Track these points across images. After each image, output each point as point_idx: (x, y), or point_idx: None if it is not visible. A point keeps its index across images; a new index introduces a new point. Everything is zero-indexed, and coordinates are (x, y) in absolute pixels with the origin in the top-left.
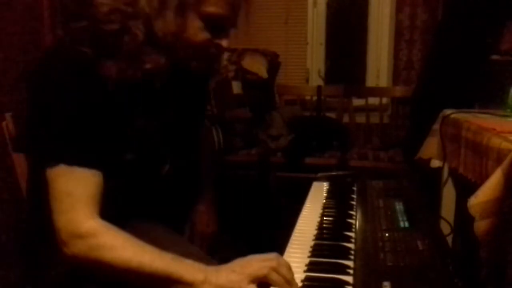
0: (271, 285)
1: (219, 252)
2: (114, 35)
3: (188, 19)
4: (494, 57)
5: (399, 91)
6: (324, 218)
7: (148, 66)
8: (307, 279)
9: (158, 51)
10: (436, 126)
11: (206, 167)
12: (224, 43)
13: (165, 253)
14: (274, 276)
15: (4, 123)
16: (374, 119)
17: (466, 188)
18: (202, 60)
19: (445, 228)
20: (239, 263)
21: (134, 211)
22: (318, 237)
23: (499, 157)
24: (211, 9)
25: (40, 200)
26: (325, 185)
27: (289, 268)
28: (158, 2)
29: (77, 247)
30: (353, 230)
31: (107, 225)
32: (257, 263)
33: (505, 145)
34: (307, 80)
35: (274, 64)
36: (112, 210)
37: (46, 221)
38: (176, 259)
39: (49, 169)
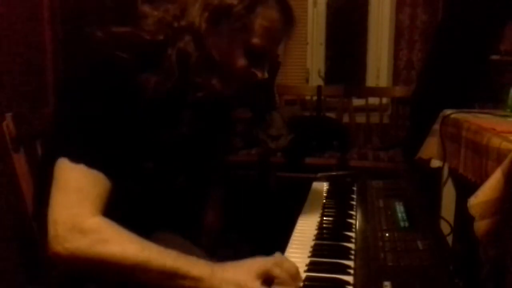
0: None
1: (219, 251)
2: (155, 46)
3: (234, 44)
4: (494, 57)
5: (399, 91)
6: (324, 218)
7: (201, 93)
8: (307, 279)
9: (211, 73)
10: (436, 126)
11: (215, 168)
12: (259, 74)
13: (170, 250)
14: (277, 271)
15: (4, 123)
16: (374, 119)
17: (466, 188)
18: (235, 87)
19: (445, 228)
20: (245, 262)
21: (145, 219)
22: (318, 237)
23: (499, 157)
24: (255, 40)
25: (46, 200)
26: (325, 185)
27: (293, 265)
28: (210, 23)
29: (76, 243)
30: (353, 230)
31: (110, 221)
32: (261, 260)
33: (505, 145)
34: (307, 80)
35: (274, 64)
36: (123, 218)
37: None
38: (182, 255)
39: (66, 162)
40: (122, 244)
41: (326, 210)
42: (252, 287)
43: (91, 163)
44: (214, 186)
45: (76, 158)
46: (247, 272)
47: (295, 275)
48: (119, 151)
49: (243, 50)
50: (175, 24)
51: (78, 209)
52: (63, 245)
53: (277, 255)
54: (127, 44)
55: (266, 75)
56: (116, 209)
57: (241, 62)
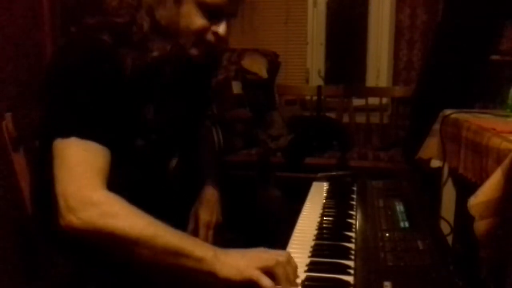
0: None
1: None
2: (124, 26)
3: (185, 6)
4: (494, 57)
5: (399, 91)
6: (324, 218)
7: (155, 53)
8: (307, 279)
9: (163, 39)
10: (436, 126)
11: (207, 159)
12: (221, 30)
13: (176, 229)
14: (280, 270)
15: (4, 123)
16: (374, 119)
17: (466, 188)
18: (201, 47)
19: (445, 228)
20: (249, 251)
21: (139, 206)
22: (318, 237)
23: (499, 157)
24: None
25: (45, 195)
26: (325, 185)
27: (295, 269)
28: None
29: (87, 213)
30: (353, 230)
31: (118, 196)
32: (267, 254)
33: (505, 145)
34: (307, 80)
35: (274, 64)
36: None
37: (49, 216)
38: (187, 235)
39: (60, 140)
40: (130, 218)
41: (326, 210)
42: (251, 274)
43: (82, 134)
44: (210, 181)
45: (67, 133)
46: (249, 260)
47: (293, 276)
48: (108, 123)
49: (197, 9)
50: (134, 2)
51: (84, 181)
52: (75, 215)
53: (285, 253)
54: (101, 29)
55: (225, 30)
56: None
57: (200, 22)
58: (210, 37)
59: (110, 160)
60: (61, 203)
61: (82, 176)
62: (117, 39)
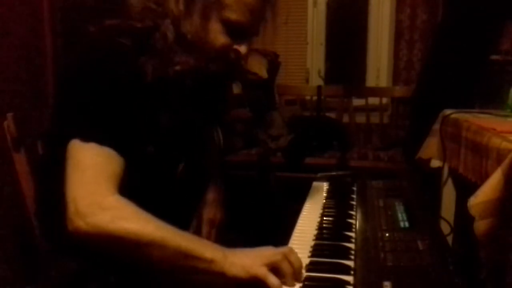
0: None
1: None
2: (146, 32)
3: (210, 22)
4: (494, 57)
5: (399, 91)
6: (324, 218)
7: (178, 67)
8: (307, 279)
9: (187, 52)
10: (436, 126)
11: (213, 159)
12: (243, 49)
13: (184, 231)
14: (285, 265)
15: (5, 123)
16: (374, 119)
17: (466, 188)
18: (221, 64)
19: (445, 228)
20: (255, 250)
21: (147, 209)
22: (318, 237)
23: (499, 157)
24: (232, 15)
25: (50, 195)
26: (325, 185)
27: (300, 262)
28: (185, 5)
29: (98, 217)
30: (353, 230)
31: (128, 200)
32: (271, 250)
33: (505, 145)
34: (307, 80)
35: (274, 64)
36: None
37: (53, 217)
38: (196, 237)
39: (78, 142)
40: (140, 222)
41: (326, 210)
42: (256, 271)
43: (101, 141)
44: (214, 180)
45: (86, 137)
46: (255, 258)
47: (298, 270)
48: (125, 131)
49: (222, 27)
50: (158, 10)
51: (95, 186)
52: (84, 220)
53: (288, 247)
54: (121, 32)
55: (247, 50)
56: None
57: (222, 39)
58: (231, 55)
59: (123, 167)
60: (71, 207)
61: (94, 181)
62: (137, 44)
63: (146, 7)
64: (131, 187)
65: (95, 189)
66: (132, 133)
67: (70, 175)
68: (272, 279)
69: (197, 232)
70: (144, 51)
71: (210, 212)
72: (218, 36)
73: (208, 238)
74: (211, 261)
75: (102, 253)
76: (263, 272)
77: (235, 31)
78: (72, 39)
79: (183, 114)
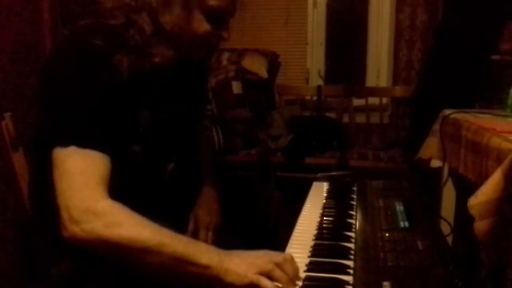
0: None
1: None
2: (120, 29)
3: (192, 12)
4: (494, 57)
5: (399, 91)
6: (324, 218)
7: (157, 59)
8: (307, 279)
9: (166, 44)
10: (436, 126)
11: (206, 160)
12: (225, 34)
13: (181, 235)
14: (277, 274)
15: (3, 123)
16: (374, 119)
17: (466, 188)
18: (203, 51)
19: (445, 228)
20: (250, 255)
21: (136, 210)
22: (318, 237)
23: (499, 157)
24: (213, 2)
25: (43, 198)
26: (325, 185)
27: (295, 271)
28: None
29: (91, 225)
30: (353, 230)
31: (122, 205)
32: (265, 258)
33: (505, 145)
34: (307, 80)
35: (274, 64)
36: None
37: (48, 217)
38: (192, 241)
39: (59, 150)
40: (135, 228)
41: (326, 210)
42: (251, 278)
43: (81, 144)
44: (210, 181)
45: (66, 142)
46: (249, 265)
47: (293, 279)
48: (105, 130)
49: (203, 15)
50: (133, 4)
51: (86, 191)
52: (79, 226)
53: (282, 254)
54: (93, 32)
55: (228, 35)
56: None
57: (204, 27)
58: (213, 40)
59: (110, 167)
60: (64, 215)
61: (84, 187)
62: (110, 42)
63: (117, 3)
64: (121, 188)
65: (87, 195)
66: (113, 132)
67: (59, 183)
68: (265, 283)
69: (194, 235)
70: (119, 48)
71: (206, 215)
72: (200, 25)
73: (205, 241)
74: (207, 267)
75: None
76: (256, 277)
77: (215, 16)
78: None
79: (165, 108)
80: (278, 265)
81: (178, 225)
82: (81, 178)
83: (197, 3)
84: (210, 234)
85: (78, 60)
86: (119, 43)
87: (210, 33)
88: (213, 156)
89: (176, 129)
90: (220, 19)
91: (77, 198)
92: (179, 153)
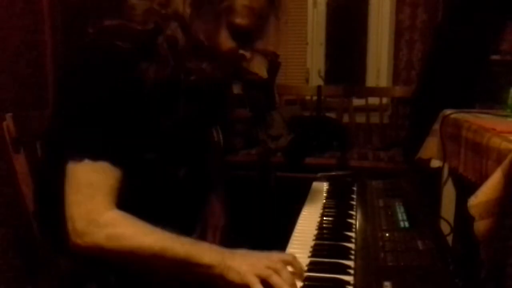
0: None
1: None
2: (148, 35)
3: (220, 26)
4: (494, 57)
5: (399, 91)
6: (324, 218)
7: (193, 77)
8: (307, 279)
9: (201, 58)
10: (436, 126)
11: (215, 162)
12: (248, 54)
13: (183, 237)
14: (275, 280)
15: (4, 124)
16: (374, 119)
17: (466, 188)
18: (228, 69)
19: (445, 228)
20: (253, 256)
21: (149, 215)
22: (318, 237)
23: (499, 157)
24: (239, 20)
25: (48, 199)
26: (325, 185)
27: (298, 266)
28: (192, 7)
29: (95, 237)
30: (353, 230)
31: (125, 214)
32: (265, 262)
33: (505, 145)
34: (307, 80)
35: (274, 64)
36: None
37: (49, 217)
38: (195, 242)
39: (72, 163)
40: (137, 237)
41: (326, 210)
42: (249, 280)
43: (95, 157)
44: (216, 184)
45: (80, 156)
46: (250, 266)
47: (292, 285)
48: (121, 140)
49: (229, 31)
50: (162, 12)
51: (91, 205)
52: (81, 239)
53: (283, 257)
54: (120, 35)
55: (251, 54)
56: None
57: (228, 43)
58: (236, 59)
59: (121, 177)
60: (69, 225)
61: (90, 200)
62: (138, 47)
63: (148, 9)
64: (133, 194)
65: (91, 208)
66: (130, 142)
67: (68, 194)
68: None
69: (202, 237)
70: (146, 56)
71: (214, 216)
72: (226, 41)
73: (213, 242)
74: (209, 266)
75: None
76: (253, 281)
77: (241, 35)
78: (72, 40)
79: (184, 119)
80: (277, 271)
81: (189, 228)
82: (88, 191)
83: (225, 18)
84: (217, 235)
85: (101, 62)
86: (146, 50)
87: (234, 51)
88: (221, 158)
89: (192, 137)
90: (244, 38)
91: (81, 210)
92: (191, 157)
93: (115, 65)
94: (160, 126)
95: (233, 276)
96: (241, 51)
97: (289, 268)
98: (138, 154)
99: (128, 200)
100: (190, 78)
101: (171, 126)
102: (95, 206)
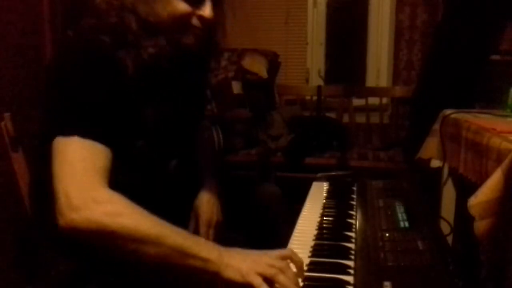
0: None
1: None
2: (116, 27)
3: None
4: (494, 57)
5: (399, 91)
6: (324, 218)
7: (151, 50)
8: (307, 279)
9: (154, 35)
10: (436, 126)
11: (206, 157)
12: (207, 12)
13: (180, 229)
14: (281, 278)
15: (3, 123)
16: (374, 119)
17: (466, 188)
18: (192, 35)
19: (445, 228)
20: (252, 254)
21: (141, 205)
22: (318, 237)
23: (499, 157)
24: None
25: (44, 197)
26: (325, 185)
27: (297, 259)
28: None
29: (91, 212)
30: (353, 230)
31: (121, 195)
32: (269, 261)
33: (505, 145)
34: (307, 80)
35: (274, 64)
36: None
37: (49, 217)
38: (192, 235)
39: (61, 139)
40: (135, 218)
41: (326, 210)
42: (252, 279)
43: (84, 134)
44: (210, 180)
45: (68, 132)
46: (251, 264)
47: (295, 280)
48: (109, 123)
49: None
50: (116, 3)
51: (87, 179)
52: (78, 213)
53: (285, 253)
54: (100, 31)
55: (210, 12)
56: None
57: (181, 7)
58: (195, 22)
59: (111, 160)
60: (62, 201)
61: (84, 174)
62: (114, 40)
63: (109, 4)
64: (124, 183)
65: (87, 182)
66: (117, 126)
67: (59, 169)
68: None
69: (195, 233)
70: (121, 45)
71: (207, 212)
72: (176, 6)
73: (207, 238)
74: (206, 260)
75: (95, 249)
76: (258, 281)
77: None
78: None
79: (167, 107)
80: (281, 269)
81: (180, 222)
82: (82, 165)
83: None
84: (211, 231)
85: (86, 57)
86: (121, 40)
87: (189, 14)
88: (214, 154)
89: (178, 126)
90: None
91: (77, 184)
92: (181, 150)
93: (98, 57)
94: (146, 114)
95: (232, 275)
96: (197, 12)
97: (291, 265)
98: (127, 139)
99: (119, 191)
100: (148, 52)
101: (156, 114)
102: (92, 181)
